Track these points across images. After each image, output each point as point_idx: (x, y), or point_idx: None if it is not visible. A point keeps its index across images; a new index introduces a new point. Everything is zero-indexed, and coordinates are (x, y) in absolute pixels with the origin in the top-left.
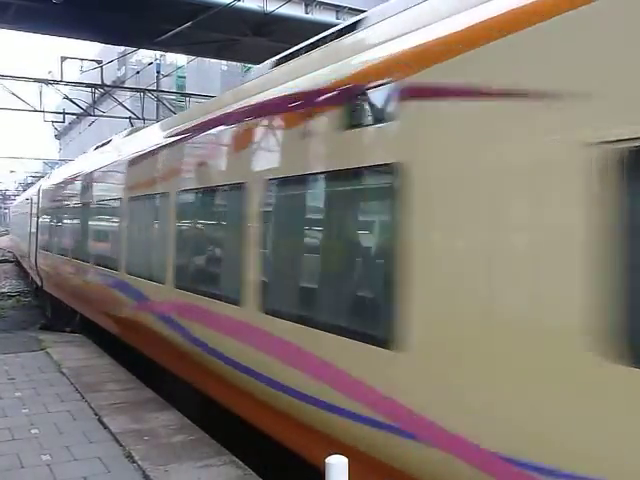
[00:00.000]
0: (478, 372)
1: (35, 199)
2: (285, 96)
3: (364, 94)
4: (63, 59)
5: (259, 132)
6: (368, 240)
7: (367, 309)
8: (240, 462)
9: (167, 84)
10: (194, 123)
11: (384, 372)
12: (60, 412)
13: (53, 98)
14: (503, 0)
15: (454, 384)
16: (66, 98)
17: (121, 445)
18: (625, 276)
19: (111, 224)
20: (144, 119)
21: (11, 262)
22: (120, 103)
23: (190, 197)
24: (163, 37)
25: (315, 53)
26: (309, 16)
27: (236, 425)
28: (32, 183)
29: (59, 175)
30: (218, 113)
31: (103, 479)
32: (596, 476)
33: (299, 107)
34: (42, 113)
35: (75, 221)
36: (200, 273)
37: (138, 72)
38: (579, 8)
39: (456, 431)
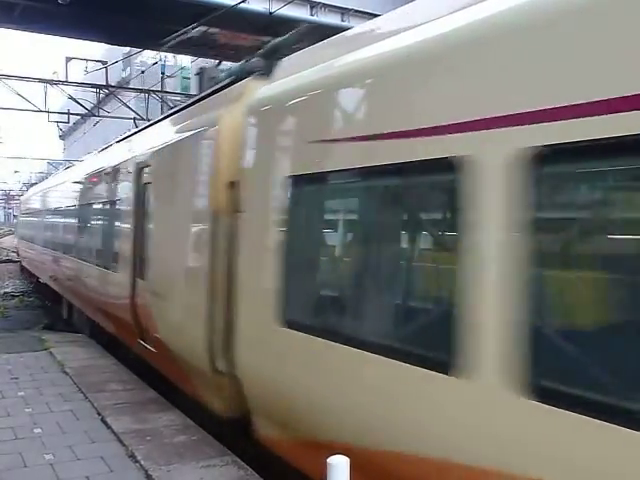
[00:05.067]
0: None
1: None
2: None
3: None
4: (68, 59)
5: None
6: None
7: None
8: (242, 462)
9: (172, 85)
10: None
11: None
12: (63, 412)
13: (58, 98)
14: None
15: None
16: (71, 98)
17: (124, 445)
18: None
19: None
20: (149, 119)
21: (15, 262)
22: (124, 104)
23: None
24: (168, 38)
25: None
26: (314, 18)
27: (238, 426)
28: (36, 183)
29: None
30: None
31: (106, 479)
32: None
33: None
34: (47, 113)
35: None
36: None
37: (143, 72)
38: None
39: None
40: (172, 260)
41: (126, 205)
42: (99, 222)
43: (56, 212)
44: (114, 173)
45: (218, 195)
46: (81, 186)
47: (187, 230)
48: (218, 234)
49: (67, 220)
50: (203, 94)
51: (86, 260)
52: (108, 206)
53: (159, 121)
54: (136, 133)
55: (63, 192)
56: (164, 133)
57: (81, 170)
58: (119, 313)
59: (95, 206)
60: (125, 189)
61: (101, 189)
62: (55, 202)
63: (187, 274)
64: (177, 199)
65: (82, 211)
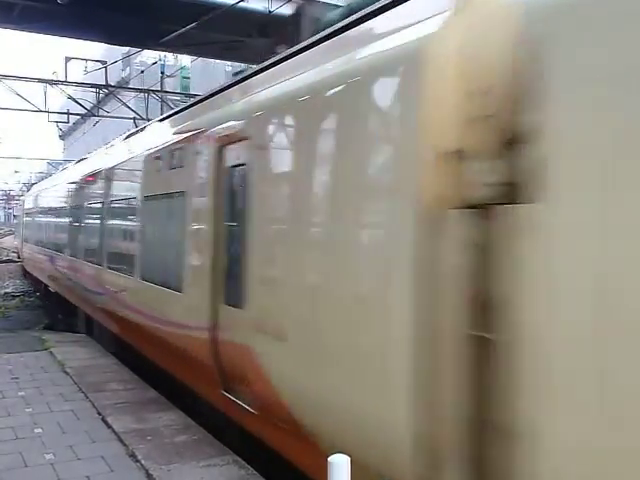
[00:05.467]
0: None
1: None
2: None
3: None
4: (67, 59)
5: None
6: None
7: None
8: (243, 462)
9: (172, 84)
10: None
11: None
12: (64, 411)
13: (57, 98)
14: None
15: None
16: (70, 98)
17: (124, 444)
18: None
19: None
20: (148, 119)
21: (15, 262)
22: (124, 103)
23: None
24: (168, 37)
25: None
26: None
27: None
28: (36, 183)
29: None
30: None
31: (106, 478)
32: None
33: None
34: (46, 113)
35: None
36: None
37: (142, 72)
38: None
39: None
40: (311, 284)
41: (194, 199)
42: (145, 223)
43: (76, 211)
44: (169, 157)
45: (434, 175)
46: (114, 177)
47: (349, 235)
48: (439, 243)
49: (93, 221)
50: (330, 30)
51: (125, 272)
52: (159, 201)
53: (241, 81)
54: (198, 103)
55: (86, 186)
56: (273, 89)
57: (112, 157)
58: (186, 348)
59: (138, 202)
60: (191, 176)
61: (147, 180)
62: (75, 198)
63: (355, 309)
64: (319, 185)
65: (117, 209)
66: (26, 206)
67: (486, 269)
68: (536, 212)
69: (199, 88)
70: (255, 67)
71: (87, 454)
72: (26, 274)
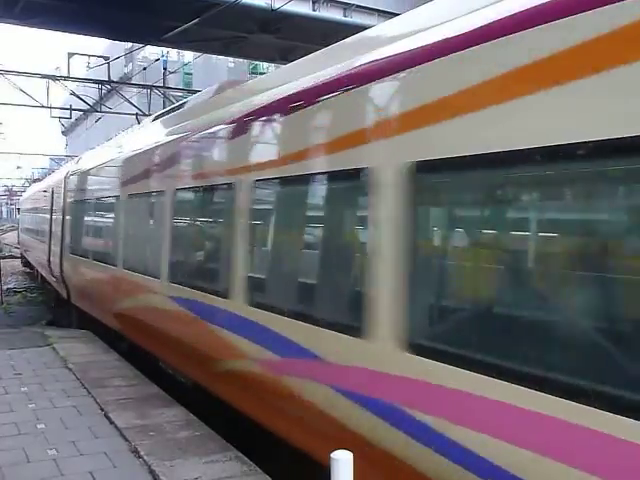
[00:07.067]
0: None
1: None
2: None
3: None
4: (70, 55)
5: None
6: None
7: None
8: (245, 458)
9: (174, 80)
10: None
11: None
12: (66, 407)
13: (60, 94)
14: None
15: None
16: (73, 94)
17: (127, 440)
18: None
19: None
20: (150, 115)
21: (17, 258)
22: (127, 99)
23: None
24: (170, 34)
25: None
26: (316, 13)
27: (240, 422)
28: (39, 179)
29: None
30: None
31: (109, 474)
32: None
33: None
34: (49, 109)
35: None
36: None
37: (145, 68)
38: None
39: None
40: None
41: None
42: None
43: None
44: None
45: None
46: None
47: None
48: None
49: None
50: None
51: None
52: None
53: None
54: None
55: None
56: None
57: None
58: None
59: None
60: None
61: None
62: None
63: None
64: None
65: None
66: (70, 196)
67: None
68: None
69: (201, 84)
70: None
71: (90, 450)
72: (69, 308)
